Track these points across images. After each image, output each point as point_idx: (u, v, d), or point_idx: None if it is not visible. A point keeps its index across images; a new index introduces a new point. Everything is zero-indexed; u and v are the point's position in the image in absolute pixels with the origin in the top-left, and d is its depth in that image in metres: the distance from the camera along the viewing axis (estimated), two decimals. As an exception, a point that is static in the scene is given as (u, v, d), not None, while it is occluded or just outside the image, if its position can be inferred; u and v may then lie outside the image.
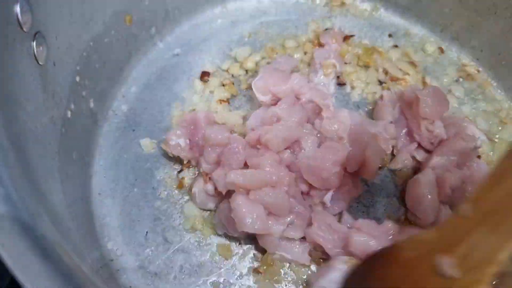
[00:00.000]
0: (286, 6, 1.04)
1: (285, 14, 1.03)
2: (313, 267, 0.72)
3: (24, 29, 0.57)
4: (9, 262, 0.40)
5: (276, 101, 0.80)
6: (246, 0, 1.04)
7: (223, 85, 0.91)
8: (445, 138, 0.78)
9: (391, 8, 1.03)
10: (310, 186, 0.73)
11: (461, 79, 0.95)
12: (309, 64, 0.93)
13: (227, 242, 0.74)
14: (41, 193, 0.55)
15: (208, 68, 0.93)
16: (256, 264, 0.72)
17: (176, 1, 0.95)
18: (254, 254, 0.73)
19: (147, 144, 0.83)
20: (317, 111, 0.80)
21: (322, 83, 0.88)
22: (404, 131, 0.83)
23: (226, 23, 1.01)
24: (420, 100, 0.77)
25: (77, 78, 0.75)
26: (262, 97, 0.80)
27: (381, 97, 0.87)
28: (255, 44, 0.98)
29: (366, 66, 0.94)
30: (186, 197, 0.78)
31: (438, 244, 0.44)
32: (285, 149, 0.73)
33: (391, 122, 0.82)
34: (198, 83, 0.91)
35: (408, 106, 0.81)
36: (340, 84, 0.92)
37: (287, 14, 1.03)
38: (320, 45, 0.95)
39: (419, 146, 0.81)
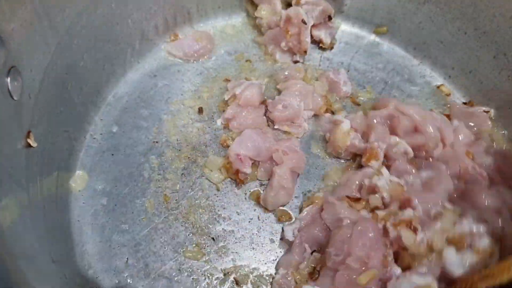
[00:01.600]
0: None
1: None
2: None
3: (-3, 67, 0.57)
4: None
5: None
6: (222, 21, 1.05)
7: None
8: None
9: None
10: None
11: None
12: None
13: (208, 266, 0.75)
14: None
15: (187, 89, 0.94)
16: (236, 288, 0.73)
17: (151, 23, 0.95)
18: (234, 278, 0.74)
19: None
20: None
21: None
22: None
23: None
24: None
25: (54, 106, 0.74)
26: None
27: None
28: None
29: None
30: (169, 219, 0.79)
31: None
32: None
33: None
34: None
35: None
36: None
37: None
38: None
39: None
